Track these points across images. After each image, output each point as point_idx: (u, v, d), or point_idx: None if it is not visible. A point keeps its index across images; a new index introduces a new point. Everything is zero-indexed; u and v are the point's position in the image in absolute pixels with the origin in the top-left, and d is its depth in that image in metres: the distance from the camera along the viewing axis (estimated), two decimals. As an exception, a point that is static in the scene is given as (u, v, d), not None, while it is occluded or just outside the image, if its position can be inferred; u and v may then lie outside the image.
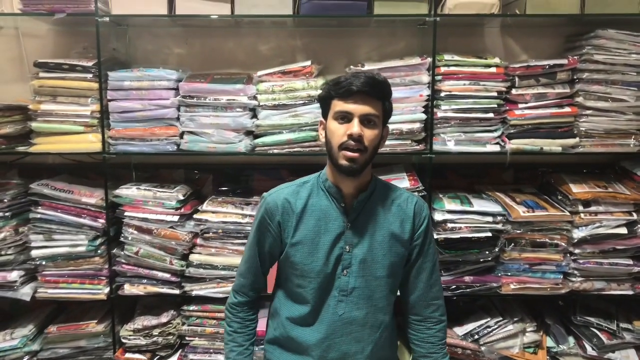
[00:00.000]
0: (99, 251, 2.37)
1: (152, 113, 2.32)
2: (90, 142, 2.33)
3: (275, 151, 2.32)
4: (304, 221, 1.50)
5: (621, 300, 2.44)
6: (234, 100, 2.29)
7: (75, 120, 2.32)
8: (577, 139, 2.26)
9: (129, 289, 2.38)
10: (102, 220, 2.36)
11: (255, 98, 2.31)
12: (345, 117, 1.42)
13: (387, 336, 1.57)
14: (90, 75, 2.29)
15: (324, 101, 1.48)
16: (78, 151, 2.37)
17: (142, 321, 2.40)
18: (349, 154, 1.40)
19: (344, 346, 1.51)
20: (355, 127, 1.39)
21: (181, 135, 2.35)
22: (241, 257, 1.65)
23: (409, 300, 1.59)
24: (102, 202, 2.36)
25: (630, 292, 2.29)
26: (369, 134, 1.42)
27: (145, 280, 2.38)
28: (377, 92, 1.43)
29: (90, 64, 2.29)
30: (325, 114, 1.49)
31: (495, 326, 2.34)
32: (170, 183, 2.48)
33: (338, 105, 1.42)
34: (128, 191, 2.37)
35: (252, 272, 1.60)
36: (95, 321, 2.44)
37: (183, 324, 2.42)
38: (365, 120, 1.42)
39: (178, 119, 2.34)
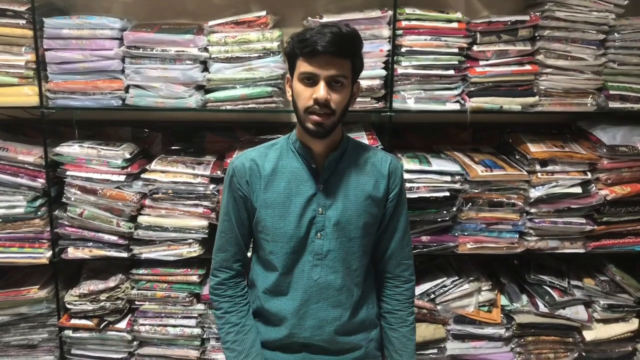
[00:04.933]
0: (39, 213, 2.22)
1: (94, 64, 2.16)
2: (26, 96, 2.16)
3: (229, 107, 2.20)
4: (273, 183, 1.43)
5: (573, 259, 2.48)
6: (183, 51, 2.14)
7: (7, 71, 2.14)
8: (537, 98, 2.23)
9: (73, 253, 2.25)
10: (42, 180, 2.21)
11: (206, 50, 2.17)
12: (310, 79, 1.32)
13: (364, 298, 1.52)
14: (24, 22, 2.10)
15: (290, 58, 1.38)
16: (12, 105, 2.19)
17: (88, 286, 2.29)
18: (316, 117, 1.32)
19: (321, 313, 1.45)
20: (321, 91, 1.30)
21: (127, 89, 2.20)
22: (215, 235, 1.53)
23: (381, 259, 1.55)
24: (41, 160, 2.20)
25: (582, 251, 2.33)
26: (336, 97, 1.33)
27: (91, 243, 2.26)
28: (345, 51, 1.32)
29: (23, 8, 2.09)
30: (291, 71, 1.39)
31: (451, 285, 2.35)
32: (116, 141, 2.33)
33: (303, 66, 1.32)
34: (70, 149, 2.21)
35: (233, 243, 1.49)
36: (37, 287, 2.31)
37: (132, 288, 2.32)
38: (332, 82, 1.33)
39: (123, 71, 2.18)
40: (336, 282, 1.45)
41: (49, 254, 2.25)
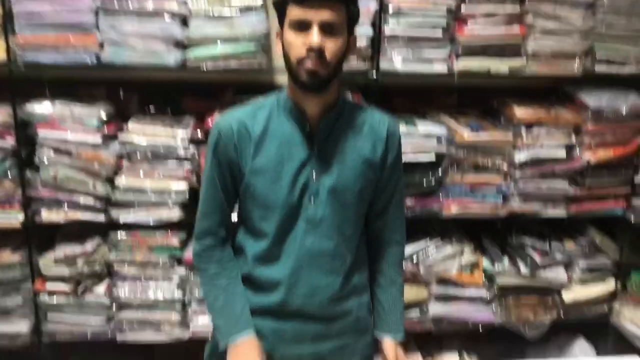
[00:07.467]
0: (9, 175, 2.12)
1: (65, 18, 2.04)
2: (-7, 51, 2.04)
3: (210, 66, 2.11)
4: (264, 147, 1.34)
5: (555, 223, 2.50)
6: (161, 6, 2.04)
7: (-29, 24, 2.00)
8: (524, 59, 2.21)
9: (47, 216, 2.17)
10: (11, 141, 2.10)
11: (185, 4, 2.07)
12: (302, 25, 1.23)
13: (357, 264, 1.47)
14: (-13, -30, 1.96)
15: (279, 6, 1.27)
16: (-23, 61, 2.07)
17: (64, 250, 2.21)
18: (310, 66, 1.23)
19: (313, 280, 1.40)
20: (314, 36, 1.20)
21: (101, 45, 2.09)
22: (199, 202, 1.44)
23: (375, 222, 1.49)
24: (10, 119, 2.09)
25: (565, 214, 2.35)
26: (330, 45, 1.23)
27: (66, 206, 2.17)
28: None
29: (-14, -45, 1.95)
30: (281, 22, 1.29)
31: (434, 248, 2.35)
32: (90, 101, 2.22)
33: (294, 11, 1.22)
34: (41, 107, 2.11)
35: (218, 210, 1.40)
36: (9, 250, 2.23)
37: (110, 251, 2.25)
38: (326, 28, 1.22)
39: (97, 26, 2.07)
40: (329, 249, 1.39)
41: (22, 217, 2.16)
